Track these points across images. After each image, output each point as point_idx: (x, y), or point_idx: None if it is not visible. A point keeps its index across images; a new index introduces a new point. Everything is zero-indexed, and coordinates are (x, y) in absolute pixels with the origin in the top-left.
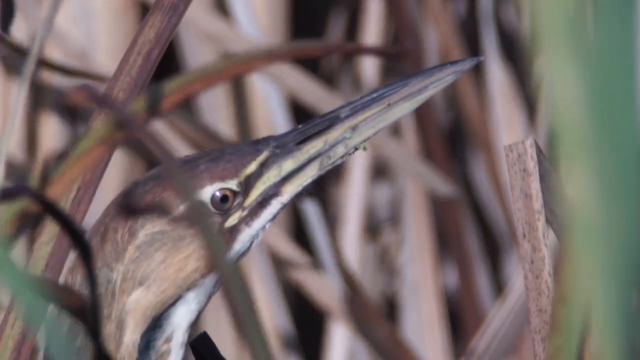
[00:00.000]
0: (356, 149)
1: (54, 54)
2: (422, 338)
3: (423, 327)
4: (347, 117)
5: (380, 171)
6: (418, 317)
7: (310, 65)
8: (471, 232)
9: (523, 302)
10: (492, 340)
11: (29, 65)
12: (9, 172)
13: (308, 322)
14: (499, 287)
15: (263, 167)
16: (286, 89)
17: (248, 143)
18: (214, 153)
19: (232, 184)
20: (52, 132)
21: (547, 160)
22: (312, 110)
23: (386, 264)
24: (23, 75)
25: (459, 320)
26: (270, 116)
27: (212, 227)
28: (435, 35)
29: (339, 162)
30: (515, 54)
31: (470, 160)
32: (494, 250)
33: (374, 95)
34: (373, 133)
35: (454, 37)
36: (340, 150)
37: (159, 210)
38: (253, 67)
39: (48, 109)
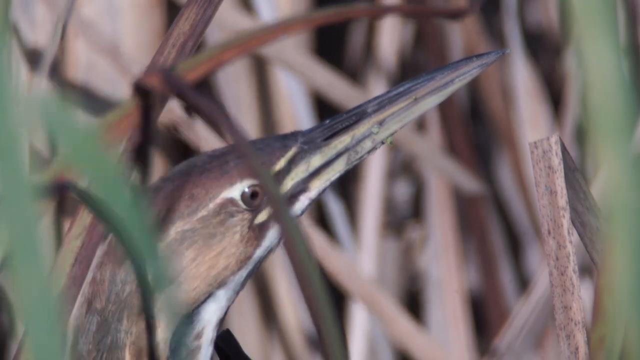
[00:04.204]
0: (382, 143)
1: (81, 48)
2: (446, 335)
3: (447, 324)
4: (374, 111)
5: (404, 167)
6: (442, 314)
7: (334, 60)
8: (495, 229)
9: (547, 298)
10: (516, 336)
11: (49, 55)
12: (34, 168)
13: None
14: (522, 283)
15: (291, 163)
16: (310, 85)
17: (275, 138)
18: None
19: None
20: None
21: (571, 157)
22: (336, 105)
23: (410, 260)
24: (43, 63)
25: (483, 316)
26: (295, 111)
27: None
28: (460, 31)
29: (365, 156)
30: (540, 50)
31: (494, 157)
32: (518, 246)
33: (401, 89)
34: (399, 127)
35: (478, 33)
36: (367, 144)
37: (189, 207)
38: (269, 39)
39: (73, 104)
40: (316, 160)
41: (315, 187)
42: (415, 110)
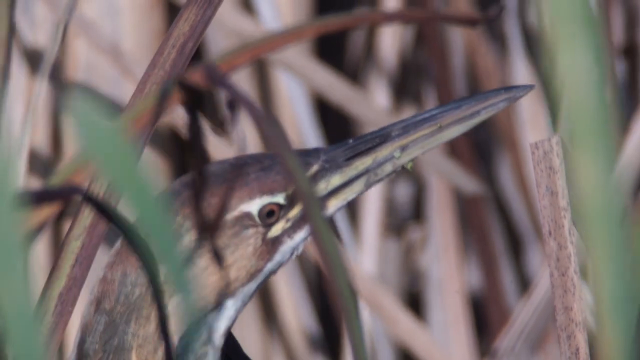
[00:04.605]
0: (403, 167)
1: (81, 48)
2: (447, 336)
3: (448, 324)
4: (398, 136)
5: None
6: (443, 315)
7: (335, 62)
8: (496, 230)
9: (548, 299)
10: (517, 337)
11: (51, 55)
12: (34, 169)
13: (331, 313)
14: (523, 284)
15: (311, 180)
16: (310, 86)
17: (298, 153)
18: (265, 160)
19: (280, 198)
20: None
21: (571, 157)
22: (337, 107)
23: (411, 262)
24: (44, 64)
25: (484, 317)
26: (295, 113)
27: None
28: (460, 32)
29: (384, 179)
30: (541, 52)
31: (495, 158)
32: (519, 247)
33: (427, 115)
34: (421, 153)
35: (478, 34)
36: (387, 168)
37: (207, 215)
38: (277, 46)
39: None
40: (336, 180)
41: (332, 206)
42: (439, 138)
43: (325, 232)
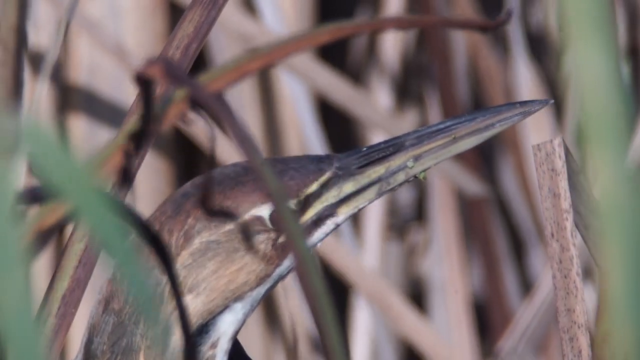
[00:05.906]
0: (415, 177)
1: (83, 49)
2: (450, 338)
3: (451, 327)
4: (412, 145)
5: None
6: (445, 317)
7: (337, 62)
8: (498, 232)
9: (550, 301)
10: (519, 339)
11: (52, 56)
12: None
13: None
14: (526, 286)
15: (324, 187)
16: (313, 87)
17: (311, 159)
18: (277, 165)
19: (291, 203)
20: (80, 132)
21: (574, 160)
22: (339, 108)
23: (413, 263)
24: (46, 65)
25: (487, 320)
26: (297, 113)
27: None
28: (463, 34)
29: (397, 188)
30: (543, 52)
31: (498, 160)
32: (521, 249)
33: (441, 126)
34: (434, 164)
35: (481, 36)
36: (400, 177)
37: (218, 218)
38: (282, 56)
39: (75, 108)
40: (348, 187)
41: (343, 213)
42: (453, 149)
43: (309, 260)
